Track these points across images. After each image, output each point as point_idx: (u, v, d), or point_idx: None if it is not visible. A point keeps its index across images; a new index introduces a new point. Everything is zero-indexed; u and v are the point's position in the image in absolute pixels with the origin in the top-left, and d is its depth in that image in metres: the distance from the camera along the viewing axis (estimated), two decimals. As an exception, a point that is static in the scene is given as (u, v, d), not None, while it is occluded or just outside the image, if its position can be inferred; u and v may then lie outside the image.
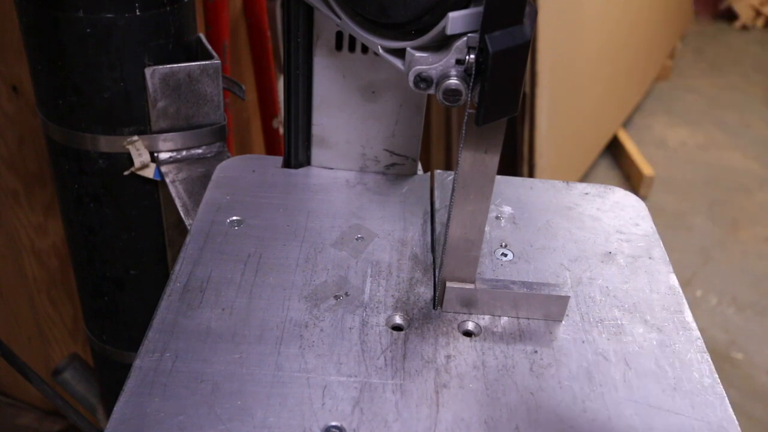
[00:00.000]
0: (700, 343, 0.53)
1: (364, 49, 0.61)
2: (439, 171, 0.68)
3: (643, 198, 2.31)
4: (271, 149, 1.35)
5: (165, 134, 0.71)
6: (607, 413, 0.47)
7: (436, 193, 0.66)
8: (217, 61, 0.70)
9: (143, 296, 0.82)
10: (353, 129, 0.66)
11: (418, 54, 0.45)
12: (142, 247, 0.78)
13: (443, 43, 0.44)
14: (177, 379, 0.47)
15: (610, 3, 2.22)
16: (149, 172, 0.72)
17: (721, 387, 0.50)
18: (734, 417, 0.47)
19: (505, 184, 0.69)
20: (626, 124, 2.86)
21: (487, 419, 0.46)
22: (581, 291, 0.57)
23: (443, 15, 0.42)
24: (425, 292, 0.56)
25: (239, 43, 1.27)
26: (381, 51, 0.48)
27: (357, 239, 0.61)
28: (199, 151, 0.73)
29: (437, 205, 0.65)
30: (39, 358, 1.38)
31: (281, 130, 1.05)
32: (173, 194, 0.70)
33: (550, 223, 0.64)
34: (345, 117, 0.65)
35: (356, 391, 0.47)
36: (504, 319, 0.54)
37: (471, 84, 0.44)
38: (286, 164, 0.69)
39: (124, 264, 0.79)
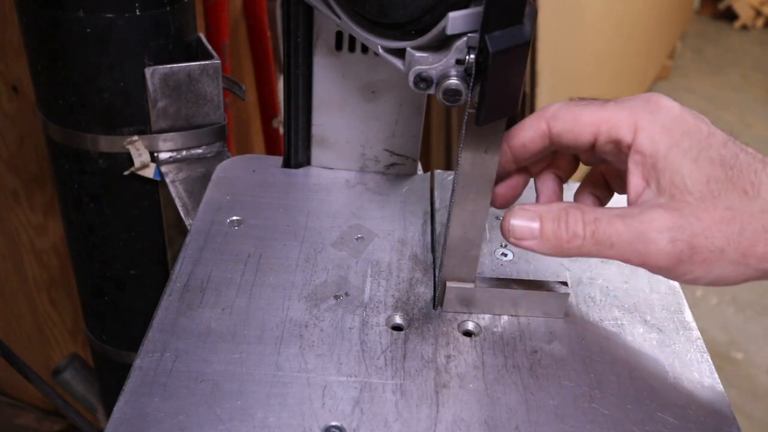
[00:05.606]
0: (700, 343, 0.53)
1: (364, 49, 0.61)
2: (439, 171, 0.68)
3: (643, 198, 2.30)
4: (271, 149, 1.35)
5: (165, 134, 0.71)
6: (607, 413, 0.47)
7: (436, 193, 0.66)
8: (217, 61, 0.70)
9: (143, 296, 0.82)
10: (353, 129, 0.66)
11: (418, 54, 0.45)
12: (142, 247, 0.78)
13: (443, 43, 0.44)
14: (177, 379, 0.47)
15: (611, 3, 2.22)
16: (149, 172, 0.72)
17: (721, 387, 0.50)
18: (734, 417, 0.48)
19: (505, 184, 0.69)
20: (626, 124, 2.86)
21: (487, 419, 0.46)
22: (581, 291, 0.57)
23: (443, 15, 0.42)
24: (425, 292, 0.56)
25: (239, 43, 1.27)
26: (381, 51, 0.48)
27: (357, 239, 0.61)
28: (199, 151, 0.73)
29: (437, 205, 0.65)
30: (39, 358, 1.38)
31: (281, 130, 1.05)
32: (173, 194, 0.70)
33: (550, 223, 0.64)
34: (345, 117, 0.65)
35: (356, 391, 0.47)
36: (504, 319, 0.54)
37: (471, 84, 0.44)
38: (286, 164, 0.69)
39: (124, 264, 0.79)
